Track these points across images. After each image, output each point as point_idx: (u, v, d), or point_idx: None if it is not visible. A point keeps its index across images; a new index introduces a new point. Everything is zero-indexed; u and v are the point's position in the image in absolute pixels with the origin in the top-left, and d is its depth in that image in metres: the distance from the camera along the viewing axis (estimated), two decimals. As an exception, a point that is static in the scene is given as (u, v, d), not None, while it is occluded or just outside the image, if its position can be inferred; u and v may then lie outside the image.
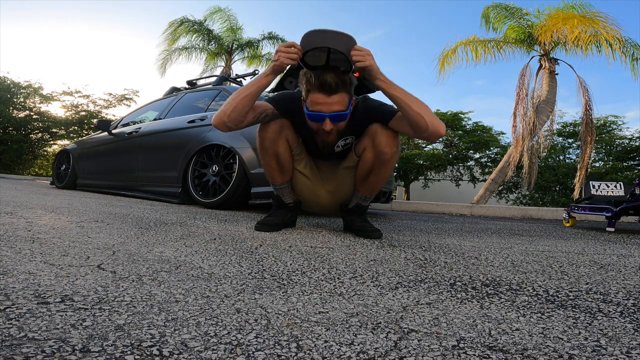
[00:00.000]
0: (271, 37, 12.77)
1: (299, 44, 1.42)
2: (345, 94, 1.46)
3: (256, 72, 4.66)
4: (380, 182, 1.67)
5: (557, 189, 10.21)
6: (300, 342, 0.54)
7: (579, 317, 0.71)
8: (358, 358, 0.50)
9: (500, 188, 10.47)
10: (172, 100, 4.06)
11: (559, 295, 0.86)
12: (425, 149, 12.23)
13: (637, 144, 10.77)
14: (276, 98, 1.63)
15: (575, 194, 6.82)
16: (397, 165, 7.44)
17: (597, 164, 10.82)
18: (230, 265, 0.98)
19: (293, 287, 0.82)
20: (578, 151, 10.98)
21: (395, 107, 1.52)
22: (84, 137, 5.38)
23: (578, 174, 6.83)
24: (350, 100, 1.51)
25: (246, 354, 0.49)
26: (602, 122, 10.89)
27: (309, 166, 1.75)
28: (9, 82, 13.29)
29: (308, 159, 1.75)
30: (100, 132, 4.56)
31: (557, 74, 7.10)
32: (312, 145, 1.71)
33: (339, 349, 0.52)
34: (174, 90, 4.43)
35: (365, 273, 0.99)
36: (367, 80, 3.57)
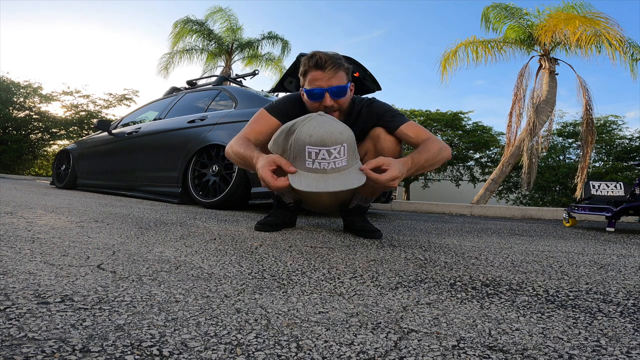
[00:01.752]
0: (271, 37, 12.78)
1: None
2: (344, 73, 1.49)
3: (256, 72, 4.66)
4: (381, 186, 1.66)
5: (557, 189, 10.21)
6: (300, 342, 0.54)
7: (579, 317, 0.71)
8: (358, 358, 0.50)
9: (500, 188, 10.47)
10: (172, 100, 4.06)
11: (559, 295, 0.86)
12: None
13: (637, 144, 10.77)
14: (275, 105, 1.62)
15: (577, 194, 6.83)
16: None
17: (597, 164, 10.82)
18: (230, 265, 0.98)
19: (293, 287, 0.82)
20: (578, 151, 10.99)
21: (404, 119, 1.53)
22: (84, 137, 5.37)
23: (579, 173, 6.84)
24: (349, 81, 1.52)
25: (246, 354, 0.49)
26: (602, 122, 10.90)
27: None
28: (8, 82, 13.28)
29: None
30: (100, 132, 4.57)
31: (557, 74, 7.11)
32: None
33: (339, 349, 0.52)
34: (174, 90, 4.43)
35: (365, 273, 0.99)
36: (366, 80, 3.53)
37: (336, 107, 1.49)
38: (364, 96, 1.66)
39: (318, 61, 1.44)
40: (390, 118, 1.53)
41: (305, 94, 1.51)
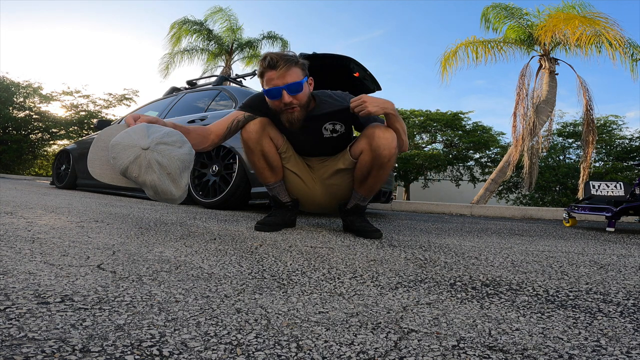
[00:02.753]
0: (270, 36, 12.77)
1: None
2: (298, 69, 1.52)
3: (256, 72, 4.65)
4: (379, 183, 1.67)
5: (557, 189, 10.21)
6: (300, 342, 0.54)
7: (579, 317, 0.71)
8: (358, 358, 0.50)
9: (500, 188, 10.47)
10: (172, 100, 4.06)
11: (559, 295, 0.86)
12: (425, 149, 12.23)
13: (637, 144, 10.76)
14: (245, 103, 1.70)
15: (580, 195, 6.83)
16: (396, 165, 7.43)
17: (597, 164, 10.82)
18: (230, 265, 0.98)
19: (293, 287, 0.82)
20: (578, 151, 10.99)
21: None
22: (84, 137, 5.37)
23: (582, 174, 6.83)
24: (306, 76, 1.56)
25: (246, 354, 0.49)
26: (602, 122, 10.89)
27: (298, 164, 1.76)
28: (8, 82, 13.27)
29: (296, 157, 1.76)
30: (100, 132, 4.56)
31: (557, 74, 7.10)
32: (299, 143, 1.72)
33: (339, 349, 0.52)
34: (174, 90, 4.43)
35: (365, 273, 0.99)
36: (366, 80, 3.53)
37: (295, 102, 1.53)
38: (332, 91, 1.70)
39: (270, 61, 1.48)
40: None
41: (265, 95, 1.55)
